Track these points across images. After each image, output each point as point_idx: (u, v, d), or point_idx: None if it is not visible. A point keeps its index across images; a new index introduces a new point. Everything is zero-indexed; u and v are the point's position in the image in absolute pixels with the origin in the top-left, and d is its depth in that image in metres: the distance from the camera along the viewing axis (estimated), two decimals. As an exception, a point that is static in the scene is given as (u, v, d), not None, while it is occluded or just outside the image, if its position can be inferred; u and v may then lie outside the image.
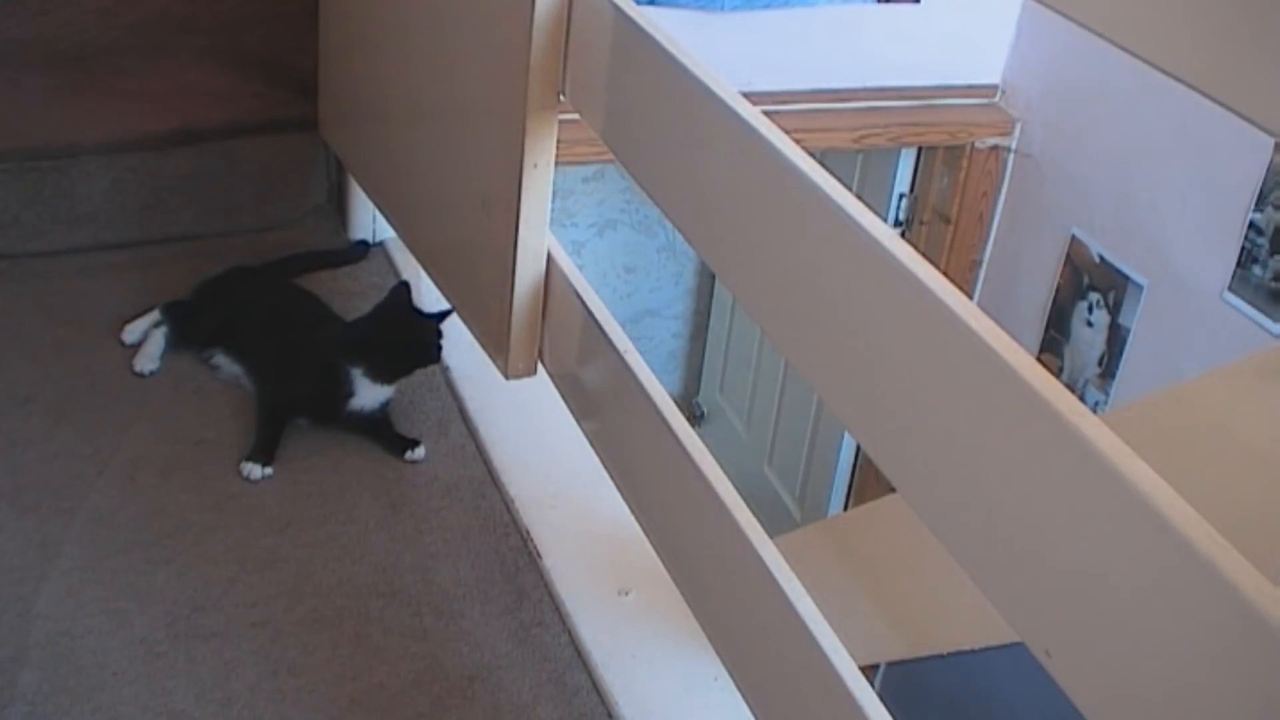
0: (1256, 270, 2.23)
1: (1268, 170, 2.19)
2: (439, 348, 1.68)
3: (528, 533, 1.57)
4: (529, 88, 1.32)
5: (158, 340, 1.75)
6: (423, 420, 1.73)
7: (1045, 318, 2.76)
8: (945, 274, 0.88)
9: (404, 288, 1.69)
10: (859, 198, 0.96)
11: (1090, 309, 2.63)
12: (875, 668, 1.89)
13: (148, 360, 1.73)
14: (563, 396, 1.49)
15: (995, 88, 2.73)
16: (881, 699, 0.97)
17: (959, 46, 2.77)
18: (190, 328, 1.77)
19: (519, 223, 1.39)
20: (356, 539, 1.52)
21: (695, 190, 1.16)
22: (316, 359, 1.67)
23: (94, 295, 1.84)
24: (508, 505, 1.61)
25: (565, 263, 1.43)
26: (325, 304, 1.84)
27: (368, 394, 1.64)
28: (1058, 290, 2.71)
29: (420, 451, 1.66)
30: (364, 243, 2.06)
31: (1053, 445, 0.77)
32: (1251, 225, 2.23)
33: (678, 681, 1.42)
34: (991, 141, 2.73)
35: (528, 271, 1.44)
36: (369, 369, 1.63)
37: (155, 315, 1.77)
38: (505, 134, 1.38)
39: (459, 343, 1.67)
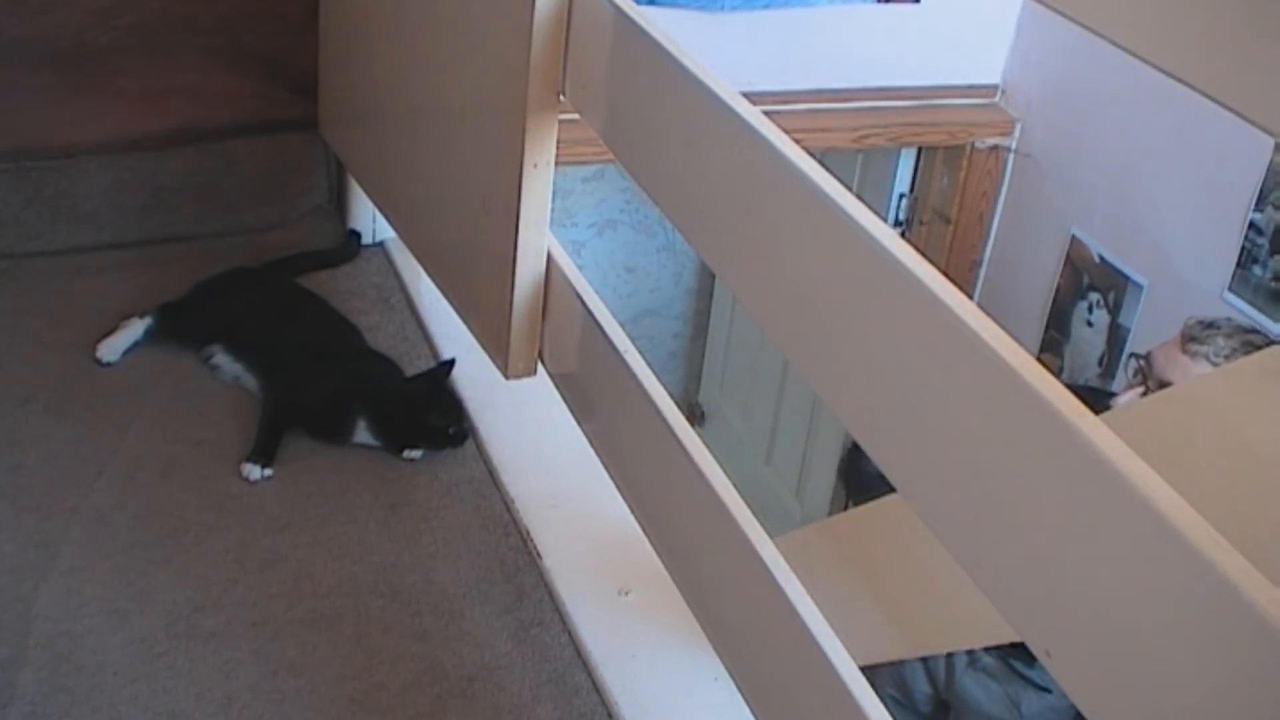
0: (1256, 270, 2.23)
1: (1268, 170, 2.19)
2: (464, 435, 1.67)
3: (528, 533, 1.57)
4: (529, 88, 1.32)
5: (133, 333, 1.74)
6: (423, 420, 1.73)
7: (1045, 318, 2.76)
8: (945, 274, 0.88)
9: (446, 367, 1.69)
10: (859, 198, 0.95)
11: (1090, 309, 2.63)
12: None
13: (109, 350, 1.72)
14: (563, 396, 1.49)
15: (995, 88, 2.73)
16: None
17: (959, 46, 2.77)
18: (185, 325, 1.77)
19: (519, 223, 1.39)
20: (356, 539, 1.52)
21: (695, 190, 1.16)
22: (335, 395, 1.66)
23: (94, 295, 1.84)
24: (508, 505, 1.61)
25: (565, 263, 1.43)
26: (328, 303, 1.84)
27: (369, 439, 1.65)
28: (1058, 290, 2.71)
29: (418, 449, 1.66)
30: (355, 233, 2.06)
31: (1053, 445, 0.77)
32: (1251, 225, 2.23)
33: (678, 681, 1.42)
34: (991, 141, 2.73)
35: (528, 271, 1.43)
36: (382, 434, 1.64)
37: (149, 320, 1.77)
38: (505, 134, 1.38)
39: (459, 343, 1.67)
